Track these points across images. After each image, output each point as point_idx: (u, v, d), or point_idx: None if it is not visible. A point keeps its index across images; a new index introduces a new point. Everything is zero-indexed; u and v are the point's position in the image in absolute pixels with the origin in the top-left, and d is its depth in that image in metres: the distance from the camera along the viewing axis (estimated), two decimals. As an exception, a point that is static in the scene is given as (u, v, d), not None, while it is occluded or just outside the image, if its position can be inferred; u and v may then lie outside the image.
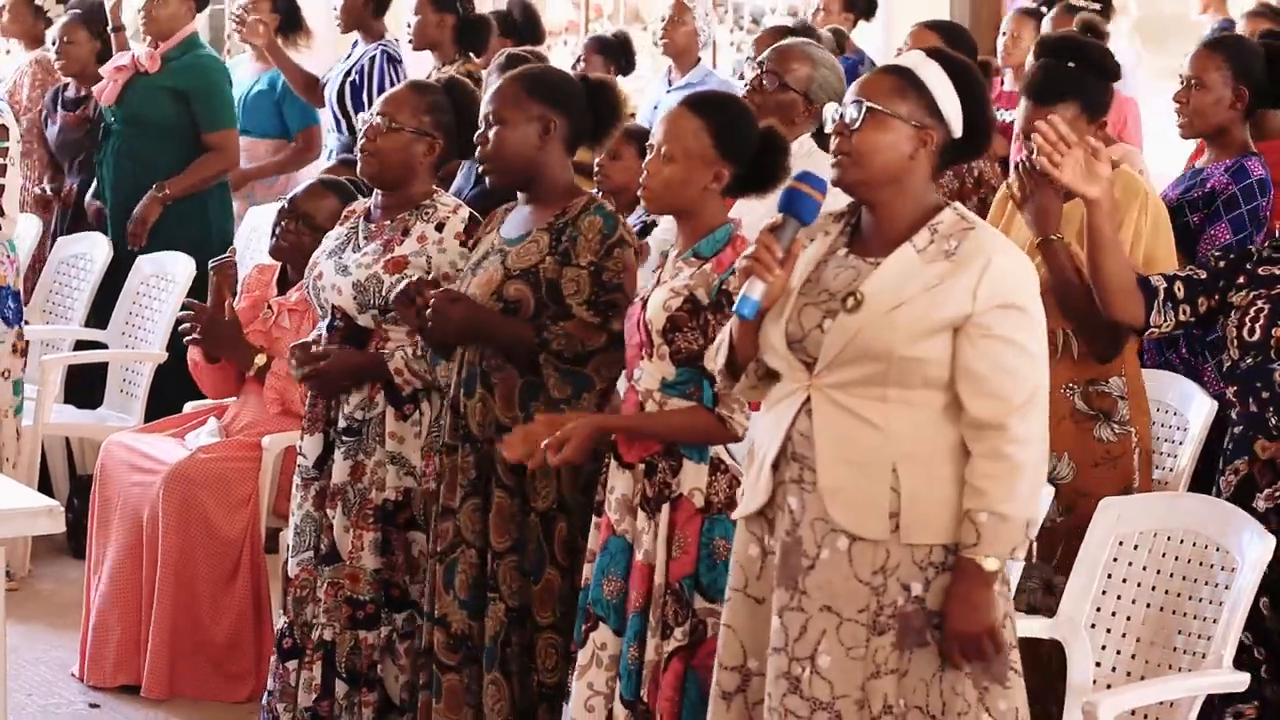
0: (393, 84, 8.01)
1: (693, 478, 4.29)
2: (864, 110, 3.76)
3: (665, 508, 4.29)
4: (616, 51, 8.93)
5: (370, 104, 8.00)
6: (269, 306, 6.05)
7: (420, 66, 8.39)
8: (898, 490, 3.70)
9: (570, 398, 4.64)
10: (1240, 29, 7.72)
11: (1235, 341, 4.62)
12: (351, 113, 8.13)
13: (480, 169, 4.82)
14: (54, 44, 8.20)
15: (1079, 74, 5.06)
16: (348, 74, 8.27)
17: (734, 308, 3.82)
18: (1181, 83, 5.61)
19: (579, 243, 4.65)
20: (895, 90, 3.78)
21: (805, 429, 3.77)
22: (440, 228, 5.05)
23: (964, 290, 3.68)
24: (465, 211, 5.11)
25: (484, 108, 4.79)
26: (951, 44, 6.15)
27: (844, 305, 3.73)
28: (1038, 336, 3.73)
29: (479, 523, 4.73)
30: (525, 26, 8.77)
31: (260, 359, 5.93)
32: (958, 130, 3.80)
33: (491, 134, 4.72)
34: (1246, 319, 4.61)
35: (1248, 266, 4.70)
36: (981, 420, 3.67)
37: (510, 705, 4.70)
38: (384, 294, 4.98)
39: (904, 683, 3.71)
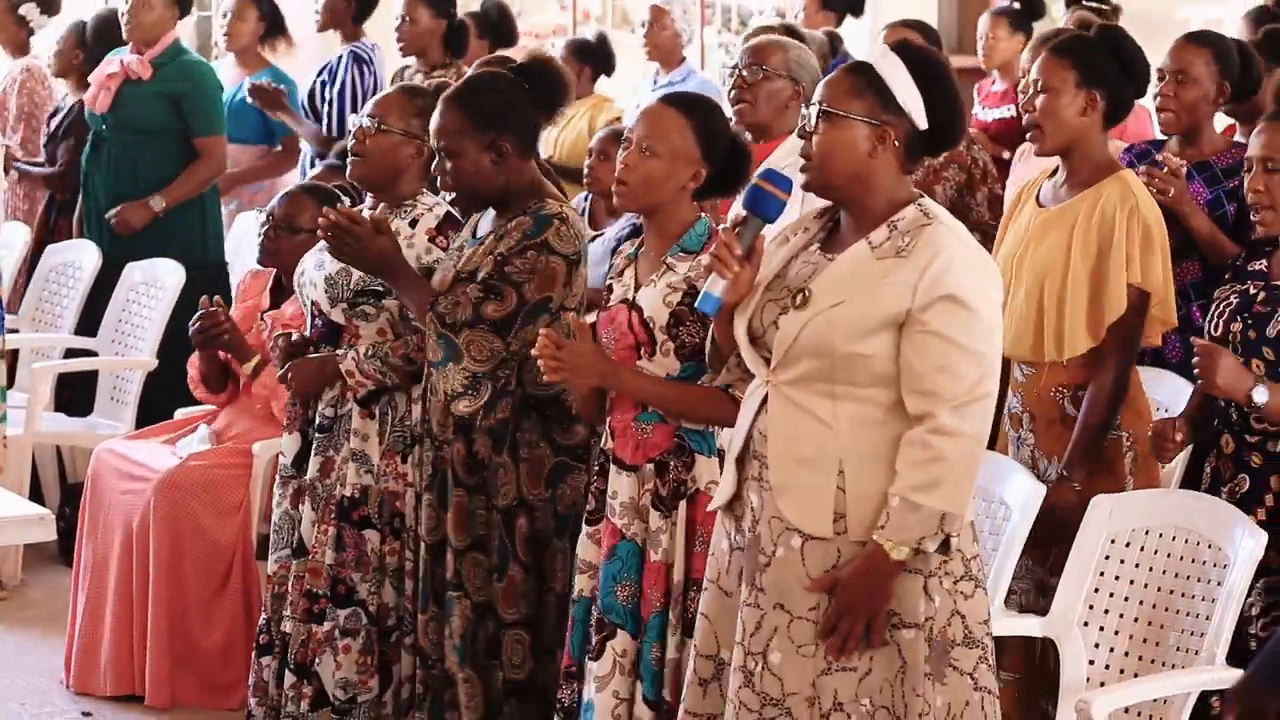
0: (357, 85, 8.10)
1: (707, 472, 4.26)
2: (819, 113, 3.77)
3: (682, 504, 4.27)
4: (594, 54, 8.92)
5: (335, 104, 8.09)
6: (261, 318, 6.04)
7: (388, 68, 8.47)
8: (843, 489, 3.70)
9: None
10: (1240, 30, 7.57)
11: (1206, 335, 4.61)
12: (321, 112, 8.19)
13: (448, 198, 4.86)
14: (52, 53, 8.23)
15: (1091, 49, 4.83)
16: (319, 75, 8.33)
17: (696, 304, 3.85)
18: (1161, 76, 5.43)
19: (503, 241, 4.70)
20: (850, 90, 3.77)
21: (764, 426, 3.80)
22: (414, 224, 5.07)
23: (905, 286, 3.67)
24: (442, 209, 5.12)
25: (434, 139, 4.81)
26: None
27: (793, 302, 3.76)
28: (982, 334, 3.69)
29: (433, 519, 4.81)
30: (500, 27, 8.78)
31: (256, 359, 5.93)
32: (921, 122, 3.76)
33: (449, 166, 4.74)
34: (1215, 312, 4.61)
35: (1237, 264, 4.71)
36: (915, 414, 3.67)
37: (483, 701, 4.73)
38: (351, 287, 5.03)
39: (867, 681, 3.70)
